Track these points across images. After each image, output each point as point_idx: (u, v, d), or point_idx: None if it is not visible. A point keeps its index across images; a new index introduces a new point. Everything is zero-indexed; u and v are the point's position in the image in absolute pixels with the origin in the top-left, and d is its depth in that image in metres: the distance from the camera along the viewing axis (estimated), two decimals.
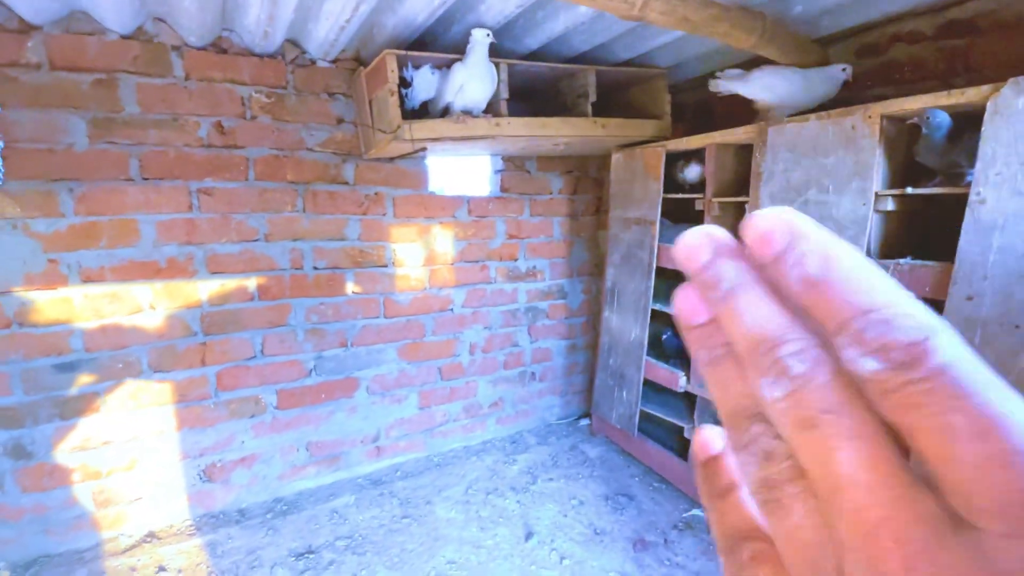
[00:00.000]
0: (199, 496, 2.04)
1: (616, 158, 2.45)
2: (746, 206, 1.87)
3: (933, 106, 1.23)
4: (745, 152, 1.93)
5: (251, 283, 2.03)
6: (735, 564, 0.18)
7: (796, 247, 0.16)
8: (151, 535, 1.94)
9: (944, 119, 1.21)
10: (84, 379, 1.81)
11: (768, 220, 0.16)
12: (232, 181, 1.94)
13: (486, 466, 2.44)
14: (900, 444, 0.14)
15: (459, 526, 2.01)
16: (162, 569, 1.77)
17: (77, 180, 1.73)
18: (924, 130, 1.22)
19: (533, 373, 2.80)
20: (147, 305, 1.87)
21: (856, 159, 1.45)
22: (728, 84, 1.78)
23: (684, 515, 2.07)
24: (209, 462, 2.04)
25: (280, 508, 2.11)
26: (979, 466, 0.13)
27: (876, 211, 1.45)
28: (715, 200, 2.01)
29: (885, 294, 0.14)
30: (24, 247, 1.70)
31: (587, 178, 2.77)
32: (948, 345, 0.13)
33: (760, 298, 0.17)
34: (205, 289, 1.95)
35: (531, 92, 2.25)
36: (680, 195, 2.20)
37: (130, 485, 1.92)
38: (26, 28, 1.63)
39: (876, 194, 1.42)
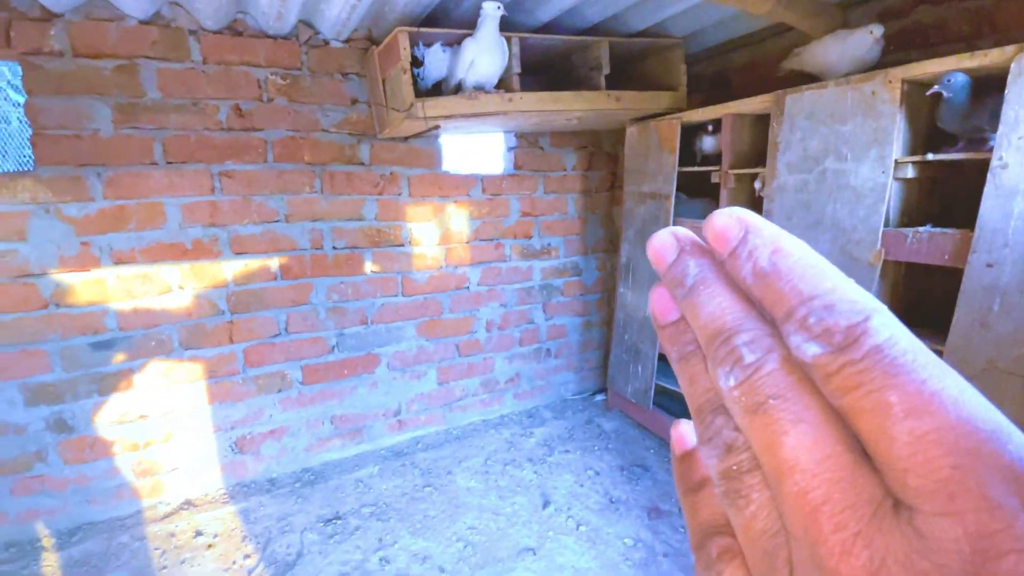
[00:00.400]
0: (231, 466, 2.14)
1: (630, 132, 2.43)
2: (761, 177, 1.85)
3: (955, 69, 1.20)
4: (762, 122, 1.90)
5: (273, 263, 2.08)
6: (704, 559, 0.18)
7: (748, 242, 0.16)
8: (188, 503, 2.05)
9: (964, 82, 1.18)
10: (119, 356, 1.90)
11: (723, 218, 0.17)
12: (252, 163, 1.99)
13: (504, 439, 2.51)
14: (850, 428, 0.14)
15: (479, 495, 2.08)
16: (199, 534, 1.88)
17: (104, 165, 1.79)
18: (945, 94, 1.20)
19: (548, 350, 2.84)
20: (176, 285, 1.94)
21: (876, 126, 1.43)
22: (790, 63, 1.80)
23: None
24: (240, 435, 2.14)
25: (308, 478, 2.21)
26: (912, 444, 0.12)
27: (895, 179, 1.43)
28: (731, 172, 1.99)
29: (829, 282, 0.15)
30: (57, 231, 1.77)
31: (601, 153, 2.76)
32: (884, 326, 0.14)
33: (718, 292, 0.17)
34: (230, 269, 2.01)
35: (544, 66, 2.23)
36: (696, 168, 2.18)
37: (167, 456, 2.03)
38: (48, 16, 1.67)
39: (896, 161, 1.40)
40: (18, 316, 1.76)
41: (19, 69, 1.71)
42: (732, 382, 0.16)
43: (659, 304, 0.19)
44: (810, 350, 0.14)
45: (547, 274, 2.74)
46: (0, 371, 1.76)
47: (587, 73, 2.12)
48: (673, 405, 2.47)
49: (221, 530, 1.89)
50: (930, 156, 1.33)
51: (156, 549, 1.80)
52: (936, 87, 1.22)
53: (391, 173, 2.25)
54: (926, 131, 1.42)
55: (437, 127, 1.99)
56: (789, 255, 0.16)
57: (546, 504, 2.02)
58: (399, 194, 2.29)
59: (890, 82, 1.36)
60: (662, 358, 2.42)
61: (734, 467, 0.16)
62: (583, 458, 2.33)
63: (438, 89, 1.98)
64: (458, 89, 1.88)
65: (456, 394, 2.61)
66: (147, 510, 2.00)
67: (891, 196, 1.44)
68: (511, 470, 2.25)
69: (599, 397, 2.93)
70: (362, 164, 2.19)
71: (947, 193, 1.57)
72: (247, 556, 1.77)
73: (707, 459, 0.17)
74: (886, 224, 1.47)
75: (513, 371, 2.75)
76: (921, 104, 1.36)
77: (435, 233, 2.40)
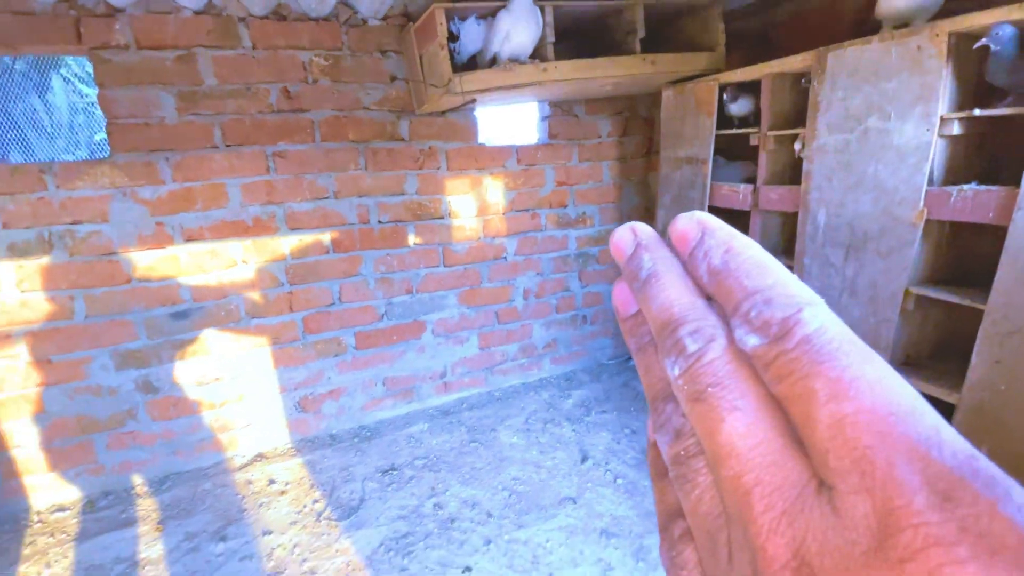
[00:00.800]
0: (296, 424, 2.36)
1: (666, 95, 2.40)
2: (801, 138, 1.83)
3: (1005, 20, 1.16)
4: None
5: (325, 237, 2.22)
6: (668, 540, 0.19)
7: (704, 243, 0.18)
8: (260, 455, 2.28)
9: (1012, 34, 1.14)
10: (195, 325, 2.10)
11: (684, 222, 0.18)
12: (301, 144, 2.10)
13: (543, 400, 2.63)
14: (785, 414, 0.15)
15: (521, 450, 2.22)
16: (273, 482, 2.10)
17: (172, 150, 1.94)
18: (992, 47, 1.16)
19: (585, 316, 2.91)
20: (240, 260, 2.11)
21: (921, 82, 1.40)
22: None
23: None
24: (302, 395, 2.34)
25: (365, 434, 2.41)
26: (832, 427, 0.13)
27: (941, 136, 1.40)
28: (771, 134, 1.97)
29: (771, 278, 0.16)
30: (135, 212, 1.94)
31: (637, 119, 2.74)
32: (815, 317, 0.15)
33: (669, 284, 0.18)
34: (287, 244, 2.17)
35: (578, 32, 2.23)
36: (734, 131, 2.16)
37: (240, 414, 2.25)
38: (112, 11, 1.80)
39: (941, 118, 1.37)
40: (106, 290, 1.97)
41: (89, 63, 1.86)
42: (677, 371, 0.17)
43: (620, 298, 0.20)
44: (750, 341, 0.15)
45: (582, 243, 2.79)
46: (93, 339, 1.98)
47: (622, 37, 2.11)
48: None
49: (291, 479, 2.11)
50: (976, 112, 1.30)
51: (236, 495, 2.03)
52: (984, 40, 1.18)
53: (430, 148, 2.33)
54: (975, 86, 1.38)
55: (473, 101, 2.04)
56: (739, 254, 0.17)
57: (585, 459, 2.14)
58: (438, 168, 2.37)
59: (936, 36, 1.32)
60: None
61: (682, 452, 0.17)
62: (620, 418, 2.43)
63: (473, 62, 2.02)
64: (493, 62, 1.91)
65: (497, 358, 2.74)
66: (226, 461, 2.24)
67: (936, 154, 1.42)
68: (551, 428, 2.38)
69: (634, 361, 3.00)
70: (402, 140, 2.27)
71: (996, 150, 1.52)
72: (316, 501, 1.97)
73: (661, 445, 0.18)
74: (930, 183, 1.45)
75: (550, 337, 2.85)
76: (969, 58, 1.32)
77: (473, 205, 2.48)
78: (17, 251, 1.83)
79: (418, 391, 2.58)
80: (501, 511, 1.87)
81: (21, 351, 1.90)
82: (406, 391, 2.55)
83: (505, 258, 2.62)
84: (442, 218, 2.43)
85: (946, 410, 1.51)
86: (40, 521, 1.94)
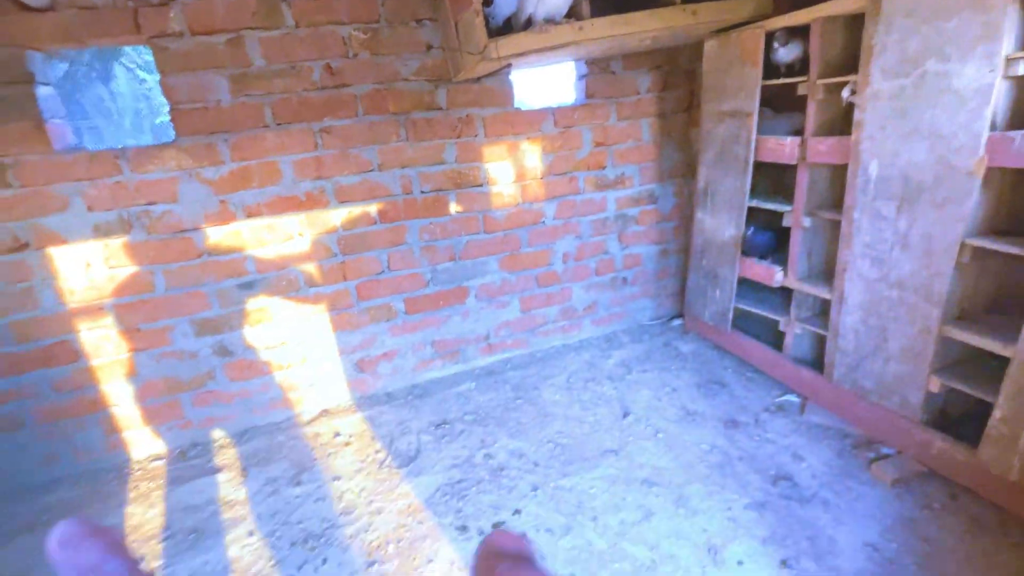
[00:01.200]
0: (355, 383, 2.55)
1: (709, 46, 2.32)
2: (851, 84, 1.75)
3: None
4: (855, 24, 1.76)
5: (372, 209, 2.33)
6: None
7: None
8: (325, 411, 2.49)
9: None
10: (260, 294, 2.28)
11: None
12: (345, 118, 2.18)
13: (584, 360, 2.71)
14: None
15: (564, 406, 2.33)
16: (338, 435, 2.30)
17: (229, 131, 2.06)
18: None
19: (625, 278, 2.93)
20: (296, 233, 2.25)
21: (984, 20, 1.31)
22: None
23: (776, 399, 2.20)
24: (359, 357, 2.52)
25: (417, 392, 2.58)
26: None
27: (1006, 77, 1.32)
28: (821, 82, 1.89)
29: None
30: (201, 192, 2.10)
31: (677, 72, 2.66)
32: None
33: None
34: (337, 217, 2.29)
35: None
36: (781, 81, 2.07)
37: (304, 375, 2.45)
38: (166, 0, 1.89)
39: (1006, 58, 1.29)
40: (180, 265, 2.16)
41: (149, 52, 1.98)
42: None
43: None
44: None
45: (621, 204, 2.78)
46: (174, 309, 2.19)
47: None
48: (752, 327, 2.52)
49: (354, 432, 2.31)
50: None
51: (307, 446, 2.25)
52: None
53: (467, 115, 2.36)
54: None
55: (509, 65, 2.04)
56: None
57: (626, 415, 2.22)
58: (475, 136, 2.40)
59: None
60: (741, 281, 2.44)
61: None
62: (660, 376, 2.49)
63: (508, 25, 2.01)
64: (528, 23, 1.90)
65: (538, 321, 2.82)
66: (295, 416, 2.47)
67: (999, 97, 1.34)
68: (592, 386, 2.46)
69: (676, 322, 3.02)
70: (440, 109, 2.31)
71: None
72: (377, 451, 2.16)
73: None
74: (992, 128, 1.38)
75: (590, 299, 2.90)
76: None
77: (511, 171, 2.51)
78: (102, 231, 2.02)
79: (464, 353, 2.71)
80: (547, 461, 2.00)
81: (112, 321, 2.13)
82: (453, 352, 2.69)
83: (544, 223, 2.66)
84: (481, 186, 2.48)
85: (1000, 364, 1.49)
86: (140, 469, 2.22)
